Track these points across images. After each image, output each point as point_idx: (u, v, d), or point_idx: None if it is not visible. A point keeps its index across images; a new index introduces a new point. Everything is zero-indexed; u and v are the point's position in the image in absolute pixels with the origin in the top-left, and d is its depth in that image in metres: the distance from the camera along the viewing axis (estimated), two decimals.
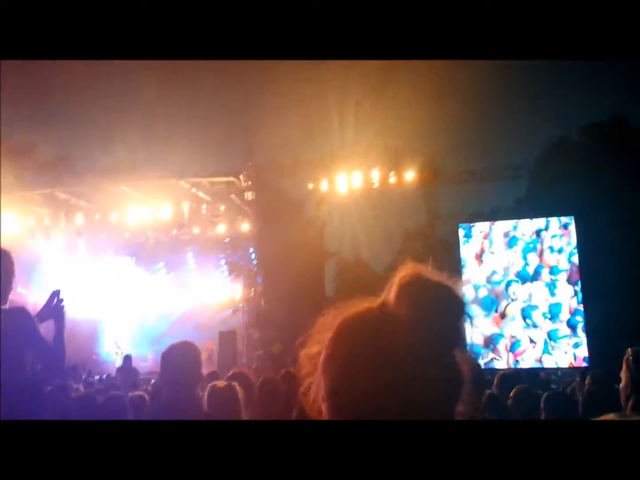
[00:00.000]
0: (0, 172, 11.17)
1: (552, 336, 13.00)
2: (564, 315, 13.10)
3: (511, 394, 4.11)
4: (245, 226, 15.37)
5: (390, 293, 1.01)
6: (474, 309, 13.18)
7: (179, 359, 3.13)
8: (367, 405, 0.93)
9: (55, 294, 3.49)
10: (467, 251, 14.07)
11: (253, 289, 15.63)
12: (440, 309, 0.97)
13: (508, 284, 13.57)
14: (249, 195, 14.90)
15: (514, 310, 13.40)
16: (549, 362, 12.80)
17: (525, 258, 13.60)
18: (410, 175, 14.22)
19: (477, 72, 10.79)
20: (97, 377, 11.45)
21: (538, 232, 13.69)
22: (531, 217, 13.80)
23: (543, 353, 12.95)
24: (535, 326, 13.15)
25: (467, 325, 1.00)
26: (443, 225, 14.79)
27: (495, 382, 4.77)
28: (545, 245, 13.58)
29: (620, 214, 12.12)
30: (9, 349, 2.97)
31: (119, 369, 11.83)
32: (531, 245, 13.65)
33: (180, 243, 17.09)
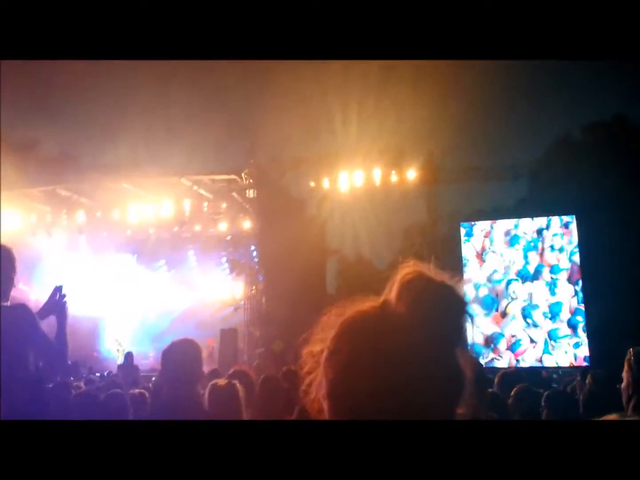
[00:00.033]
0: (2, 169, 11.17)
1: (552, 336, 12.99)
2: (565, 314, 13.08)
3: (512, 393, 4.12)
4: (247, 224, 15.37)
5: (392, 292, 1.01)
6: (475, 308, 13.17)
7: (179, 356, 3.13)
8: (369, 404, 0.94)
9: (58, 289, 3.50)
10: (468, 250, 14.06)
11: (254, 287, 15.63)
12: (441, 309, 0.97)
13: (508, 282, 13.56)
14: (250, 193, 14.90)
15: (514, 309, 13.39)
16: (550, 362, 12.78)
17: (526, 257, 13.59)
18: (411, 174, 14.22)
19: (478, 71, 10.76)
20: (98, 375, 11.46)
21: (539, 231, 13.67)
22: (532, 216, 13.78)
23: (543, 353, 12.93)
24: (535, 326, 13.14)
25: (468, 325, 1.00)
26: (444, 224, 14.77)
27: (496, 381, 4.78)
28: (546, 244, 13.56)
29: (621, 213, 12.10)
30: (10, 346, 2.98)
31: (120, 366, 11.86)
32: (532, 244, 13.63)
33: (181, 241, 17.10)
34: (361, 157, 13.95)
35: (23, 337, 3.11)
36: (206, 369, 3.86)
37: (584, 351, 12.74)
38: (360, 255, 15.30)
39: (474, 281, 13.66)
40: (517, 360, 12.97)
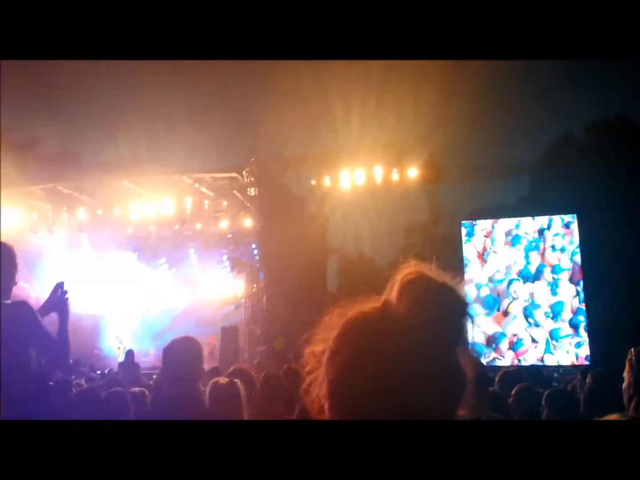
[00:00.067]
0: (2, 167, 11.18)
1: (553, 335, 12.98)
2: (566, 314, 13.07)
3: (513, 392, 4.13)
4: (248, 222, 15.37)
5: (393, 292, 1.01)
6: (477, 308, 13.16)
7: (180, 354, 3.13)
8: (369, 404, 0.94)
9: (59, 285, 3.51)
10: (469, 250, 14.05)
11: (255, 285, 15.64)
12: (442, 310, 0.97)
13: (509, 282, 13.55)
14: (251, 191, 14.90)
15: (516, 309, 13.38)
16: (551, 362, 12.77)
17: (527, 257, 13.57)
18: (413, 173, 14.20)
19: (482, 70, 10.74)
20: (99, 372, 11.49)
21: (540, 231, 13.65)
22: (533, 215, 13.76)
23: (545, 352, 12.92)
24: (537, 325, 13.13)
25: (469, 326, 1.00)
26: (445, 223, 14.76)
27: (496, 380, 4.78)
28: (548, 244, 13.55)
29: (623, 213, 12.08)
30: (11, 344, 2.98)
31: (121, 364, 11.88)
32: (533, 244, 13.62)
33: (182, 238, 17.10)
34: (362, 156, 13.94)
35: (24, 335, 3.11)
36: (207, 366, 3.86)
37: (586, 351, 12.73)
38: (361, 253, 15.30)
39: (475, 281, 13.65)
40: (519, 360, 12.96)
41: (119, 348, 16.37)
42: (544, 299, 13.25)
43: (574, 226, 13.45)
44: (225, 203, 15.59)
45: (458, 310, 1.00)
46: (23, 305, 3.22)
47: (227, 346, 14.35)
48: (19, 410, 2.85)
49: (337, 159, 14.28)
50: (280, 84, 11.83)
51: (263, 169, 14.79)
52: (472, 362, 1.03)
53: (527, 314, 13.25)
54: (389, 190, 14.21)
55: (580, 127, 13.91)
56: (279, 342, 13.67)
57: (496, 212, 14.27)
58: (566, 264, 13.34)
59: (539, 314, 13.17)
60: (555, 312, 13.11)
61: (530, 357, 12.94)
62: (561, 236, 13.51)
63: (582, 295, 13.05)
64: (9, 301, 3.19)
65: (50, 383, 4.26)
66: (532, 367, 10.12)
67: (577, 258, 13.27)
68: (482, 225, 14.08)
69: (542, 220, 13.68)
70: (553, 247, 13.48)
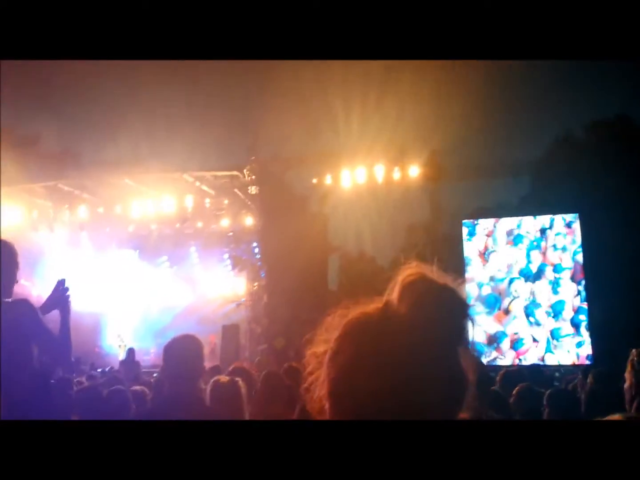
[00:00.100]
0: (3, 165, 11.18)
1: (554, 334, 12.97)
2: (567, 313, 13.05)
3: (514, 391, 4.13)
4: (249, 220, 15.37)
5: (394, 293, 1.01)
6: (478, 307, 13.14)
7: (181, 352, 3.14)
8: (370, 404, 0.94)
9: (61, 283, 3.51)
10: (470, 249, 14.03)
11: (256, 283, 15.64)
12: (443, 311, 0.97)
13: (511, 281, 13.54)
14: (252, 190, 14.90)
15: (517, 307, 13.37)
16: (552, 361, 12.76)
17: (528, 256, 13.56)
18: (414, 171, 14.19)
19: (483, 70, 10.74)
20: (100, 370, 11.49)
21: (542, 231, 13.64)
22: (535, 215, 13.75)
23: (546, 352, 12.91)
24: (538, 324, 13.12)
25: (470, 327, 1.00)
26: (447, 222, 14.75)
27: (497, 380, 4.78)
28: (549, 244, 13.53)
29: (625, 212, 12.07)
30: (13, 342, 2.98)
31: (122, 362, 11.91)
32: (535, 243, 13.60)
33: (183, 237, 17.10)
34: (363, 154, 13.93)
35: (26, 333, 3.12)
36: (208, 365, 3.87)
37: (587, 350, 12.72)
38: (363, 252, 15.32)
39: (477, 280, 13.64)
40: (520, 359, 12.95)
41: (119, 346, 16.37)
42: (545, 297, 13.24)
43: (576, 225, 13.44)
44: (226, 201, 15.58)
45: (459, 311, 1.00)
46: (24, 303, 3.22)
47: (228, 344, 14.36)
48: (20, 408, 2.85)
49: (338, 158, 14.27)
50: (280, 84, 11.83)
51: (264, 167, 14.80)
52: (473, 363, 1.03)
53: (528, 312, 13.24)
54: (390, 189, 14.20)
55: (580, 127, 13.90)
56: (279, 340, 13.69)
57: (498, 212, 14.26)
58: (568, 263, 13.33)
59: (539, 313, 13.16)
60: (556, 311, 13.10)
61: (531, 356, 12.93)
62: (563, 235, 13.50)
63: (583, 294, 13.03)
64: (10, 299, 3.19)
65: (52, 381, 4.27)
66: (533, 367, 10.12)
67: (579, 257, 13.26)
68: (484, 224, 14.06)
69: (544, 220, 13.67)
70: (555, 246, 13.47)
